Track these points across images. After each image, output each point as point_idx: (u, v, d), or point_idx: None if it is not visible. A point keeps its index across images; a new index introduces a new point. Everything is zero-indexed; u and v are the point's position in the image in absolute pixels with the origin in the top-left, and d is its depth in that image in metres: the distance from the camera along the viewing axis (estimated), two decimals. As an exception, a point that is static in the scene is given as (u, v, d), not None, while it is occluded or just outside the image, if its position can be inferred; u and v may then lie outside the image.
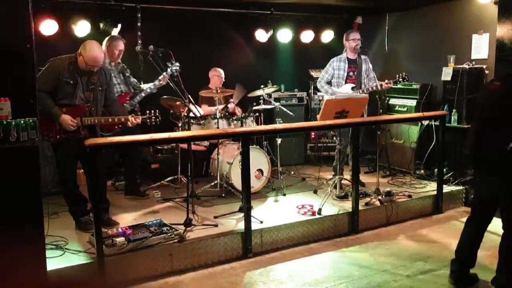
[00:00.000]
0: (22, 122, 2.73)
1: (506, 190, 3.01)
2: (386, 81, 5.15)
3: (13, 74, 2.79)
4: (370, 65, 5.32)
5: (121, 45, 4.70)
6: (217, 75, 5.74)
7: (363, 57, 5.31)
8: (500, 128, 2.96)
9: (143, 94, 4.81)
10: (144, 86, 5.00)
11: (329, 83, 5.36)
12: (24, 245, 2.68)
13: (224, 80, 5.75)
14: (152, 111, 4.15)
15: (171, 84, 4.58)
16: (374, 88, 5.13)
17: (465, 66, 5.37)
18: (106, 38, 4.72)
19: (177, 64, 4.65)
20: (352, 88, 5.20)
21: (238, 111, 5.71)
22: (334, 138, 6.26)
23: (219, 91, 5.19)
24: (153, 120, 4.12)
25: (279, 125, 5.31)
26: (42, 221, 2.80)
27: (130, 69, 4.98)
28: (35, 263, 2.75)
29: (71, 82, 3.75)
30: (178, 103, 4.81)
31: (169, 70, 4.68)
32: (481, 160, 3.19)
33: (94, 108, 3.88)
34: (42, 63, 3.69)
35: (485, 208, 3.21)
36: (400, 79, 5.15)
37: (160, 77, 4.79)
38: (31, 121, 2.77)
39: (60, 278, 3.04)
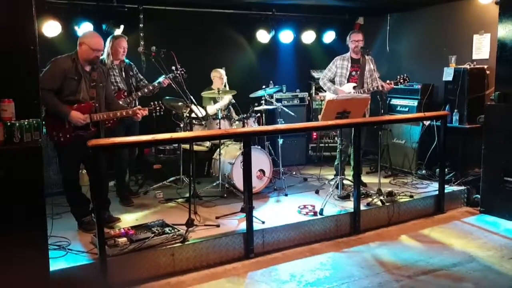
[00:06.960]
0: (25, 123, 2.74)
1: None
2: (388, 81, 5.15)
3: (17, 76, 2.80)
4: (375, 66, 5.32)
5: (124, 43, 4.71)
6: (218, 76, 5.76)
7: (367, 57, 5.30)
8: None
9: (139, 94, 4.79)
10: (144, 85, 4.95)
11: (332, 81, 5.37)
12: (27, 246, 2.71)
13: (225, 80, 5.77)
14: (156, 102, 4.25)
15: (173, 85, 4.60)
16: (376, 88, 5.14)
17: (466, 66, 5.38)
18: (109, 38, 4.72)
19: (183, 69, 4.67)
20: (354, 87, 5.20)
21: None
22: (336, 138, 6.27)
23: (220, 91, 5.22)
24: (157, 110, 4.22)
25: (280, 126, 5.32)
26: (45, 222, 2.82)
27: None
28: (38, 264, 2.76)
29: (76, 78, 3.80)
30: (180, 104, 4.82)
31: (171, 74, 4.68)
32: None
33: (98, 104, 3.91)
34: (44, 64, 3.71)
35: None
36: (401, 80, 5.16)
37: (160, 79, 4.80)
38: (34, 122, 2.78)
39: (63, 278, 3.07)
